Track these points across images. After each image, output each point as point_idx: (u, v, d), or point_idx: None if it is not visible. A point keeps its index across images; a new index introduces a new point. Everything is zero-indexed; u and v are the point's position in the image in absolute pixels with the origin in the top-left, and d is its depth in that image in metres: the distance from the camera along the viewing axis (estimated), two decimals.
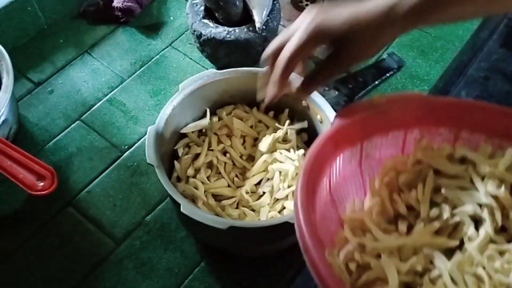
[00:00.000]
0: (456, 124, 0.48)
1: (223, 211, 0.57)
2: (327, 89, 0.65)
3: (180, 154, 0.61)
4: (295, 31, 0.45)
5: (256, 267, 0.60)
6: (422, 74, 0.77)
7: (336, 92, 0.65)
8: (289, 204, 0.57)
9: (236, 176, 0.60)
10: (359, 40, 0.43)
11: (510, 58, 1.20)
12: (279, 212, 0.57)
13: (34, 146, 0.69)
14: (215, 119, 0.62)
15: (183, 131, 0.61)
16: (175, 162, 0.60)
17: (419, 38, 0.81)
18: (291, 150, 0.60)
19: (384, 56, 0.72)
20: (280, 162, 0.59)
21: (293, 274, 0.61)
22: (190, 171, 0.59)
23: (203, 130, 0.63)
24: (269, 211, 0.56)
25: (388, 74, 0.69)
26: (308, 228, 0.37)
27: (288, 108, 0.63)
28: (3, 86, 0.60)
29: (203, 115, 0.63)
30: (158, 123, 0.56)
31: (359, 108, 0.47)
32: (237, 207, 0.58)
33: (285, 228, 0.47)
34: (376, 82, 0.67)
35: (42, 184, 0.53)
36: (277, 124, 0.62)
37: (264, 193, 0.58)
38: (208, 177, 0.60)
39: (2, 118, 0.60)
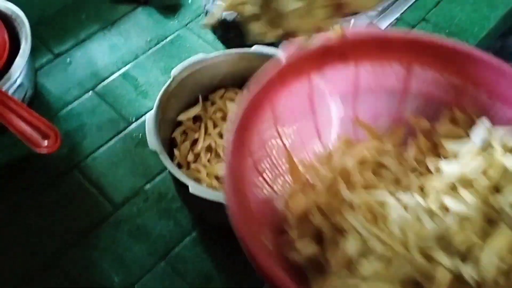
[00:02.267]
0: (407, 58, 0.48)
1: None
2: None
3: (178, 142, 0.63)
4: None
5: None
6: None
7: None
8: None
9: None
10: None
11: None
12: None
13: (49, 112, 0.73)
14: (209, 104, 0.64)
15: (179, 118, 0.63)
16: (174, 149, 0.62)
17: (433, 33, 0.81)
18: None
19: None
20: None
21: None
22: (190, 157, 0.61)
23: (199, 116, 0.65)
24: None
25: None
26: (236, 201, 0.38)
27: None
28: (20, 51, 0.64)
29: (197, 101, 0.65)
30: (155, 110, 0.58)
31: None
32: None
33: None
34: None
35: (46, 142, 0.56)
36: None
37: None
38: (208, 161, 0.61)
39: (18, 81, 0.64)
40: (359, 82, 0.50)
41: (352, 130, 0.52)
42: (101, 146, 0.70)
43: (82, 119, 0.73)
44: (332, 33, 0.47)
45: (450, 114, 0.49)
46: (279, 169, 0.47)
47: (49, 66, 0.78)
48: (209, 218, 0.62)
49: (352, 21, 0.85)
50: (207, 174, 0.60)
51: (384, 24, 0.83)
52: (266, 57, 0.62)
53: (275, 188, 0.46)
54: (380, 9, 0.88)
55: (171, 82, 0.61)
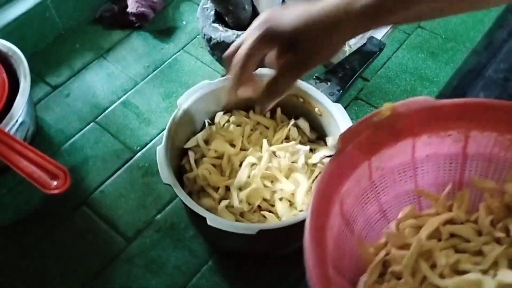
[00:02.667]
0: (465, 125, 0.48)
1: (243, 218, 0.58)
2: (318, 81, 0.67)
3: (187, 169, 0.62)
4: (250, 34, 0.46)
5: (263, 266, 0.61)
6: (431, 76, 0.77)
7: (328, 83, 0.66)
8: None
9: None
10: (312, 39, 0.42)
11: None
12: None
13: (51, 147, 0.72)
14: (214, 128, 0.64)
15: (186, 146, 0.63)
16: (184, 177, 0.61)
17: (429, 40, 0.81)
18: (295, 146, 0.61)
19: (364, 41, 0.73)
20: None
21: (301, 272, 0.62)
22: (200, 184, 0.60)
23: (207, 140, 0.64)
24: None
25: (371, 59, 0.71)
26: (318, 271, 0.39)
27: (280, 106, 0.65)
28: (20, 90, 0.63)
29: (203, 127, 0.64)
30: (164, 142, 0.57)
31: (362, 126, 0.47)
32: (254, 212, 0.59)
33: None
34: (363, 67, 0.69)
35: (55, 183, 0.55)
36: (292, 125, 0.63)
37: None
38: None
39: (20, 120, 0.63)
40: (416, 154, 0.49)
41: (417, 205, 0.52)
42: (108, 178, 0.69)
43: (86, 151, 0.71)
44: (383, 111, 0.47)
45: None
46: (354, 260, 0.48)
47: (48, 99, 0.77)
48: (225, 247, 0.61)
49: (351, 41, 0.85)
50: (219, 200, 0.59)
51: (380, 33, 0.83)
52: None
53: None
54: None
55: (178, 111, 0.60)
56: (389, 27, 0.84)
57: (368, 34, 0.83)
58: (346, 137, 0.46)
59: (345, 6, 0.41)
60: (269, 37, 0.44)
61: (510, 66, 1.21)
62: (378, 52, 0.71)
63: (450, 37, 0.82)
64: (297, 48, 0.44)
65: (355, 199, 0.47)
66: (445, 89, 0.76)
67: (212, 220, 0.50)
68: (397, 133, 0.48)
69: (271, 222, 0.56)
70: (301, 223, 0.50)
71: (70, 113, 0.76)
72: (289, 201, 0.58)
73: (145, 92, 0.78)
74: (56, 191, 0.55)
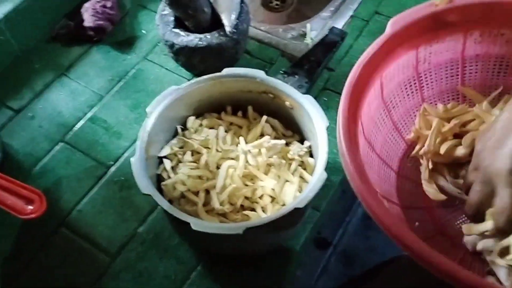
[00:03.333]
0: None
1: (226, 219, 0.57)
2: (286, 75, 0.68)
3: (165, 177, 0.61)
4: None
5: (252, 266, 0.61)
6: None
7: (296, 76, 0.67)
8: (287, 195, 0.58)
9: None
10: None
11: None
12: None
13: (21, 172, 0.70)
14: (187, 134, 0.64)
15: (161, 154, 0.62)
16: (162, 185, 0.60)
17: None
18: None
19: (326, 32, 0.74)
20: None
21: (291, 270, 0.62)
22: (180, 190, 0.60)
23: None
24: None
25: (334, 48, 0.72)
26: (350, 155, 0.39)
27: (251, 104, 0.65)
28: None
29: (176, 134, 0.64)
30: (138, 152, 0.56)
31: (415, 13, 0.45)
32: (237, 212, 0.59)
33: (294, 216, 0.50)
34: (327, 57, 0.71)
35: (31, 207, 0.54)
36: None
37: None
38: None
39: None
40: (465, 53, 0.49)
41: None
42: (84, 196, 0.67)
43: (58, 172, 0.70)
44: (439, 1, 0.46)
45: None
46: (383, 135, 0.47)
47: (12, 124, 0.75)
48: (213, 250, 0.61)
49: (308, 25, 0.86)
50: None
51: (340, 23, 0.85)
52: (239, 78, 0.62)
53: (381, 154, 0.47)
54: (332, 9, 0.90)
55: (148, 119, 0.59)
56: (348, 16, 0.86)
57: (329, 24, 0.84)
58: (396, 21, 0.45)
59: None
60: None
61: None
62: (340, 41, 0.73)
63: None
64: None
65: (397, 86, 0.47)
66: None
67: (197, 225, 0.50)
68: (450, 25, 0.46)
69: (256, 219, 0.56)
70: (286, 217, 0.51)
71: (37, 135, 0.74)
72: (271, 197, 0.58)
73: (112, 106, 0.76)
74: (33, 215, 0.53)
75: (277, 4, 1.03)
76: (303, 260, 1.20)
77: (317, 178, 0.53)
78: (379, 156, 0.50)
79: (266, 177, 0.58)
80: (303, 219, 0.60)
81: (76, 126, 0.74)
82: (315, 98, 0.62)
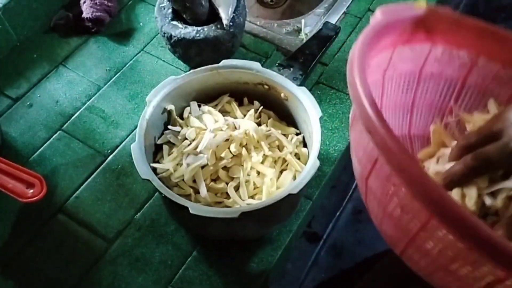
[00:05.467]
0: (476, 48, 0.49)
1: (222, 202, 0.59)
2: (281, 68, 0.69)
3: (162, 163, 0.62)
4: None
5: (247, 250, 0.63)
6: None
7: (291, 69, 0.69)
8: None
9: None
10: None
11: None
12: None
13: (19, 159, 0.71)
14: (184, 123, 0.65)
15: (159, 142, 0.64)
16: (158, 170, 0.60)
17: None
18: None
19: (320, 27, 0.76)
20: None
21: (285, 254, 0.64)
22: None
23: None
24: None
25: (328, 43, 0.74)
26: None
27: (247, 96, 0.67)
28: None
29: (174, 123, 0.65)
30: (138, 138, 0.58)
31: (404, 9, 0.46)
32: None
33: (289, 202, 0.51)
34: (322, 51, 0.72)
35: (31, 191, 0.55)
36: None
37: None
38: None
39: None
40: (425, 67, 0.51)
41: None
42: (81, 184, 0.69)
43: (56, 160, 0.71)
44: (419, 3, 0.47)
45: None
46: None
47: (10, 112, 0.76)
48: (208, 234, 0.62)
49: (303, 21, 0.88)
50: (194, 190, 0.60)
51: (333, 19, 0.87)
52: (235, 70, 0.64)
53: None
54: (326, 5, 0.92)
55: (147, 108, 0.61)
56: (341, 12, 0.88)
57: (323, 20, 0.86)
58: (385, 11, 0.45)
59: None
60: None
61: None
62: (334, 36, 0.74)
63: None
64: None
65: (402, 65, 0.48)
66: None
67: (194, 208, 0.52)
68: (423, 32, 0.48)
69: (256, 202, 0.57)
70: (282, 202, 0.53)
71: (35, 123, 0.75)
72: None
73: (109, 96, 0.78)
74: (33, 199, 0.55)
75: (271, 1, 1.05)
76: (293, 254, 1.22)
77: (310, 165, 0.54)
78: None
79: (264, 167, 0.60)
80: (297, 207, 0.62)
81: (74, 115, 0.76)
82: (309, 91, 0.63)
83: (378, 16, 0.45)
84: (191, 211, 0.51)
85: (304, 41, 0.80)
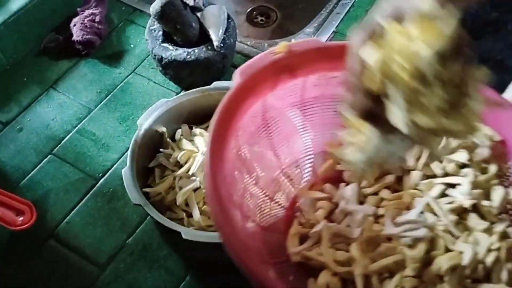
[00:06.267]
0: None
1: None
2: None
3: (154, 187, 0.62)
4: None
5: (240, 274, 0.62)
6: None
7: None
8: None
9: None
10: None
11: None
12: None
13: (9, 184, 0.70)
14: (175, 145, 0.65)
15: (151, 165, 0.63)
16: (151, 193, 0.60)
17: None
18: None
19: None
20: None
21: None
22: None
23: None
24: None
25: None
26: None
27: None
28: None
29: (166, 146, 0.65)
30: (129, 163, 0.58)
31: (260, 62, 0.48)
32: None
33: None
34: None
35: (21, 219, 0.54)
36: None
37: None
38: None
39: None
40: (306, 94, 0.53)
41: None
42: (73, 209, 0.68)
43: (46, 185, 0.70)
44: (279, 49, 0.49)
45: None
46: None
47: (0, 137, 0.75)
48: (202, 258, 0.61)
49: (293, 40, 0.89)
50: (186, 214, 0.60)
51: (323, 38, 0.87)
52: (227, 91, 0.64)
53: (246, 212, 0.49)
54: (315, 25, 0.92)
55: (139, 131, 0.60)
56: (330, 32, 0.88)
57: (313, 38, 0.86)
58: (244, 71, 0.47)
59: None
60: None
61: None
62: None
63: None
64: None
65: (249, 137, 0.48)
66: None
67: (187, 234, 0.51)
68: (291, 70, 0.50)
69: None
70: None
71: (25, 148, 0.74)
72: None
73: (100, 118, 0.77)
74: (23, 227, 0.54)
75: (261, 20, 1.05)
76: None
77: None
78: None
79: None
80: None
81: (64, 138, 0.75)
82: None
83: (237, 78, 0.47)
84: (183, 237, 0.51)
85: None
